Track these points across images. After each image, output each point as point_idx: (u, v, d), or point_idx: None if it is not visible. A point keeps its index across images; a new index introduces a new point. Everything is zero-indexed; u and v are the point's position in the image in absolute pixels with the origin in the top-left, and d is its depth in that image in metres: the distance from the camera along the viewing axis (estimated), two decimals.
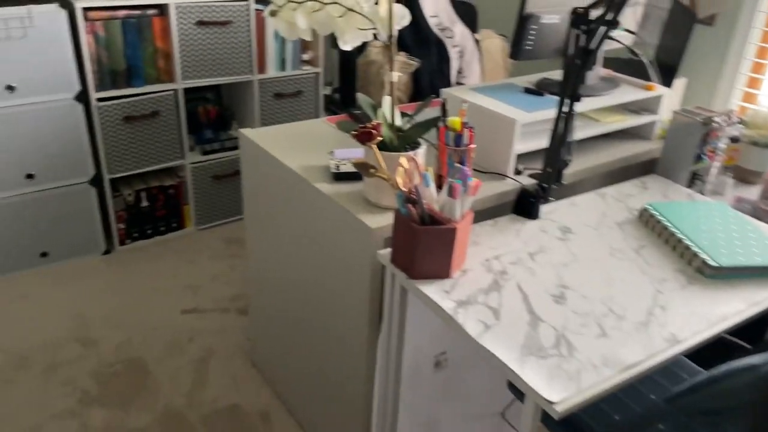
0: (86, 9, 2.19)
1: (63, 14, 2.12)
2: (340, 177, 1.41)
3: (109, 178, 2.43)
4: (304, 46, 2.77)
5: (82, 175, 2.36)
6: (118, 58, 2.31)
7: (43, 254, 2.38)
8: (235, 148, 2.74)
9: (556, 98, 1.55)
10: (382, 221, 1.24)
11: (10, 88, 2.10)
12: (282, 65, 2.73)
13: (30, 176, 2.25)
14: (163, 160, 2.53)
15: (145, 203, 2.57)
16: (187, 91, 2.55)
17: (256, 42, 2.59)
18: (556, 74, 1.74)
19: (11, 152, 2.18)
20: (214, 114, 2.75)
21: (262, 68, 2.67)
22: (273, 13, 1.19)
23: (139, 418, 1.76)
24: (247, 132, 1.68)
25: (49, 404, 1.79)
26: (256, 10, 2.55)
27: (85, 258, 2.48)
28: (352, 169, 1.41)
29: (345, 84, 2.26)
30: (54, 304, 2.20)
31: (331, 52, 3.06)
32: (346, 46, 1.24)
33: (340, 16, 1.20)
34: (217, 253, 2.59)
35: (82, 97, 2.25)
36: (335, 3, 1.18)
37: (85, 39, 2.20)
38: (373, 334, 1.36)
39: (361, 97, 1.34)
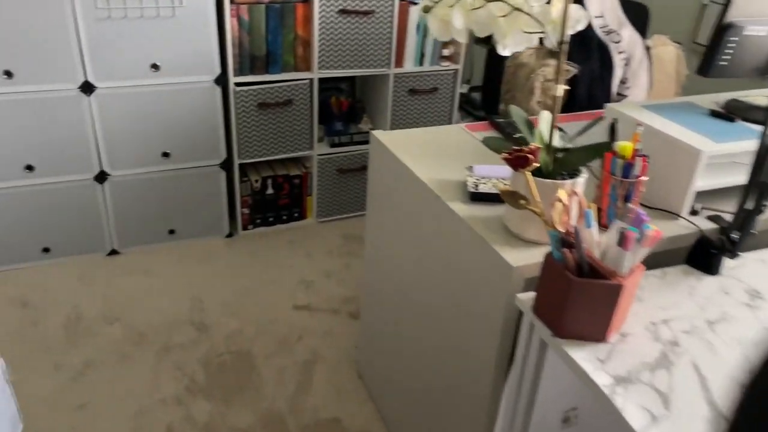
0: None
1: None
2: (477, 197, 1.24)
3: (239, 163, 2.43)
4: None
5: (214, 158, 2.37)
6: (259, 44, 2.28)
7: (171, 231, 2.43)
8: (364, 142, 2.65)
9: (754, 127, 1.28)
10: (526, 258, 1.06)
11: (155, 66, 2.14)
12: (420, 60, 2.59)
13: (166, 155, 2.29)
14: (291, 149, 2.50)
15: (270, 191, 2.55)
16: (321, 80, 2.49)
17: (396, 34, 2.46)
18: (752, 95, 1.44)
19: (150, 130, 2.23)
20: (346, 106, 2.67)
21: (399, 62, 2.55)
22: (427, 10, 1.04)
23: (240, 416, 1.72)
24: (378, 134, 1.56)
25: (158, 388, 1.80)
26: (401, 1, 2.42)
27: (208, 239, 2.51)
28: (493, 190, 1.23)
29: (489, 87, 2.07)
30: (175, 284, 2.24)
31: (473, 49, 2.88)
32: (506, 50, 1.07)
33: (504, 16, 1.03)
34: (334, 248, 2.52)
35: (221, 80, 2.26)
36: (500, 1, 1.01)
37: (229, 22, 2.19)
38: (499, 380, 1.18)
39: (515, 111, 1.16)
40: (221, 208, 2.48)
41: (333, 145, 2.61)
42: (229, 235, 2.55)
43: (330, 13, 2.32)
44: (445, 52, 2.62)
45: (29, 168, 2.11)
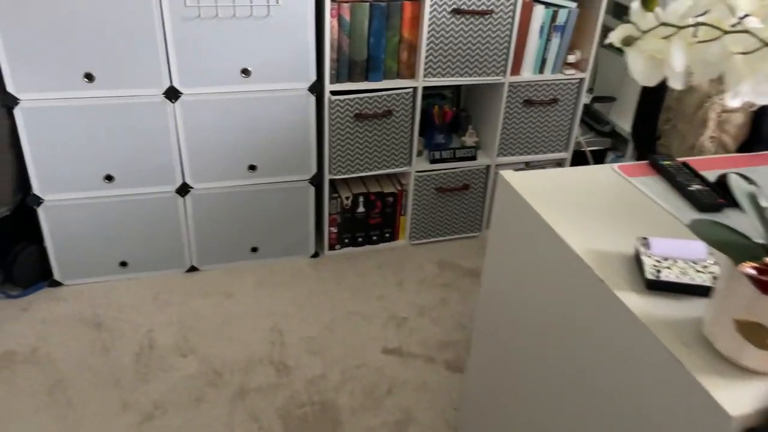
0: None
1: None
2: (659, 287, 0.92)
3: (329, 179, 2.19)
4: (572, 44, 2.25)
5: (303, 173, 2.14)
6: (360, 47, 2.02)
7: (254, 249, 2.23)
8: (468, 158, 2.35)
9: None
10: (748, 399, 0.74)
11: (245, 72, 1.92)
12: (540, 67, 2.24)
13: (252, 168, 2.08)
14: (388, 165, 2.23)
15: (361, 209, 2.30)
16: (424, 88, 2.20)
17: (516, 38, 2.13)
18: None
19: (237, 141, 2.02)
20: (450, 117, 2.37)
21: (516, 69, 2.22)
22: (629, 42, 0.72)
23: None
24: (508, 176, 1.26)
25: None
26: None
27: (292, 259, 2.29)
28: (684, 280, 0.91)
29: (644, 113, 1.70)
30: (255, 310, 2.04)
31: (603, 54, 2.49)
32: (736, 99, 0.74)
33: (745, 54, 0.70)
34: (428, 278, 2.24)
35: (316, 88, 2.01)
36: (745, 32, 0.68)
37: (328, 23, 1.93)
38: None
39: (735, 182, 0.82)
40: (308, 226, 2.25)
41: (433, 161, 2.32)
42: (315, 255, 2.32)
43: (441, 13, 2.02)
44: (570, 58, 2.27)
45: (109, 178, 1.96)
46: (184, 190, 2.04)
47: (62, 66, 1.77)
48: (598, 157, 2.52)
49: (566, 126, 2.38)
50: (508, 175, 1.27)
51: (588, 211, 1.15)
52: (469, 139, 2.42)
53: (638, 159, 1.55)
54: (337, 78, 2.04)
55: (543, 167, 2.44)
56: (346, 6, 1.94)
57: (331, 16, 1.93)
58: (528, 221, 1.18)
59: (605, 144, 2.50)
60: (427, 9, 2.00)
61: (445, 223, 2.43)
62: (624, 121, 2.43)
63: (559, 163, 2.47)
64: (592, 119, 2.53)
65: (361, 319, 2.03)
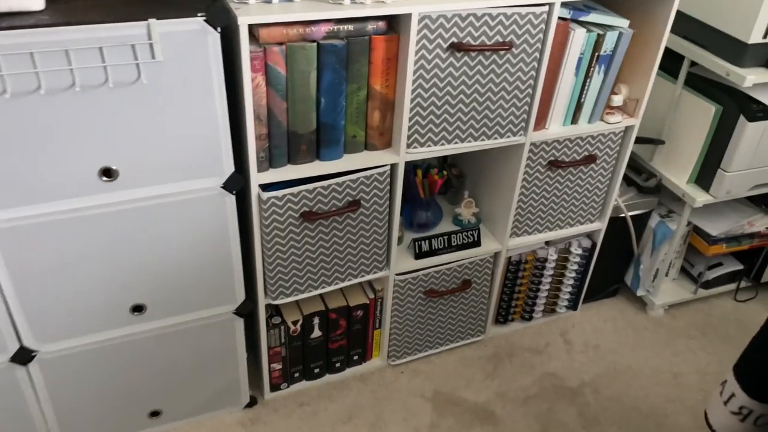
0: (255, 26, 1.11)
1: (213, 38, 1.05)
2: None
3: (267, 304, 1.42)
4: (619, 79, 1.52)
5: (224, 303, 1.37)
6: (305, 113, 1.23)
7: (154, 413, 1.46)
8: (468, 245, 1.62)
9: None
10: None
11: (107, 173, 1.11)
12: (573, 115, 1.51)
13: (138, 309, 1.29)
14: (355, 274, 1.48)
15: (316, 333, 1.55)
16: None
17: (543, 78, 1.39)
18: None
19: (107, 274, 1.22)
20: (440, 185, 1.62)
21: (540, 121, 1.48)
22: None
23: None
24: None
25: None
26: (560, 20, 1.33)
27: (216, 416, 1.54)
28: None
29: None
30: None
31: (664, 90, 1.75)
32: None
33: None
34: (421, 429, 1.54)
35: (236, 183, 1.22)
36: None
37: (249, 80, 1.13)
38: None
39: None
40: (236, 370, 1.49)
41: (419, 255, 1.58)
42: (251, 404, 1.57)
43: (434, 51, 1.25)
44: (615, 100, 1.54)
45: None
46: (23, 357, 1.24)
47: None
48: (640, 222, 1.83)
49: (602, 189, 1.68)
50: None
51: None
52: (465, 212, 1.69)
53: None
54: (270, 162, 1.25)
55: (569, 244, 1.75)
56: (277, 51, 1.13)
57: (253, 69, 1.12)
58: None
59: (650, 205, 1.81)
60: (412, 46, 1.22)
61: (436, 333, 1.72)
62: (676, 173, 1.75)
63: (590, 236, 1.78)
64: (630, 168, 1.83)
65: None
